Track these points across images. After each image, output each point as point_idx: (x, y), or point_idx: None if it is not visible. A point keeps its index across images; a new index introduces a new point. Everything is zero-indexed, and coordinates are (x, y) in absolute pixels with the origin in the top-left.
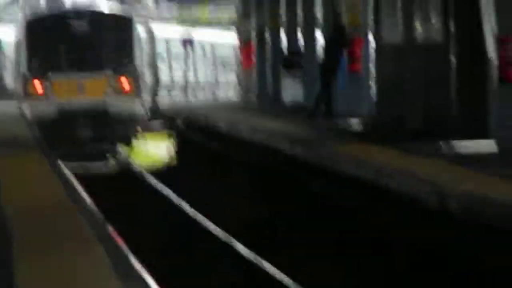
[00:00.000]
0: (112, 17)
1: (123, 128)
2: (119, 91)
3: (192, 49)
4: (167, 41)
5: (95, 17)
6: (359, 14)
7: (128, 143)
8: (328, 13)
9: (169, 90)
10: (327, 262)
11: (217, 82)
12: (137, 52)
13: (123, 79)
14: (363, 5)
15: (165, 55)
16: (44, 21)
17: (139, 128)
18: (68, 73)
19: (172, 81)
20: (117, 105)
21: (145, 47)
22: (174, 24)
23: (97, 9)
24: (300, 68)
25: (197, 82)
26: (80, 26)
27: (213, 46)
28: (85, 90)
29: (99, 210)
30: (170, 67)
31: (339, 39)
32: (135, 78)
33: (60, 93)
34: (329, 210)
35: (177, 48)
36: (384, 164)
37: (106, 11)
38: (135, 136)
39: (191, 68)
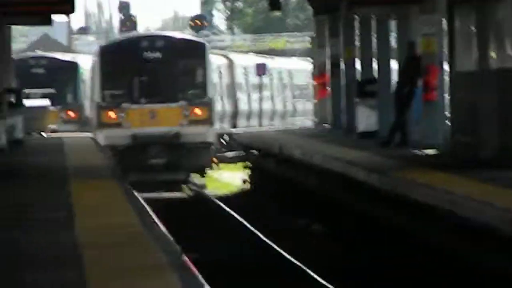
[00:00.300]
0: (185, 43)
1: (196, 157)
2: (193, 120)
3: (270, 78)
4: (244, 70)
5: (169, 44)
6: (434, 43)
7: (201, 171)
8: (403, 42)
9: (247, 118)
10: None
11: (293, 110)
12: (210, 82)
13: (197, 109)
14: (437, 33)
15: (242, 83)
16: (118, 49)
17: (213, 157)
18: (142, 102)
19: (249, 109)
20: (190, 134)
21: (224, 76)
22: (250, 54)
23: (170, 36)
24: (374, 97)
25: (273, 109)
26: (154, 53)
27: (288, 75)
28: (158, 119)
29: (173, 237)
30: (248, 96)
31: (414, 68)
32: (208, 108)
33: (134, 122)
34: (410, 247)
35: (253, 77)
36: (460, 193)
37: (179, 37)
38: (209, 165)
39: (267, 96)
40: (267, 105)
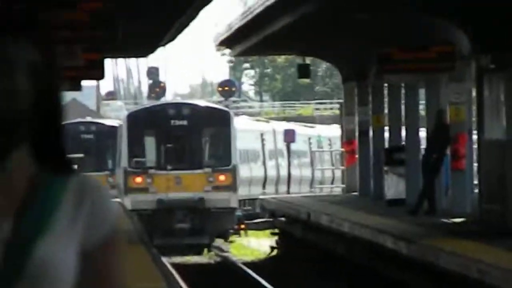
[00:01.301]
0: (211, 111)
1: (220, 221)
2: (217, 186)
3: (312, 144)
4: (274, 137)
5: (195, 112)
6: (463, 111)
7: (225, 236)
8: (432, 110)
9: (275, 184)
10: None
11: (321, 176)
12: (234, 149)
13: (221, 176)
14: (466, 101)
15: (282, 150)
16: (145, 115)
17: (240, 223)
18: (168, 169)
19: (278, 175)
20: (214, 199)
21: (268, 142)
22: (279, 121)
23: (196, 104)
24: (403, 164)
25: (301, 176)
26: (180, 121)
27: (317, 142)
28: (184, 185)
29: None
30: (276, 162)
31: (443, 136)
32: (232, 174)
33: (160, 187)
34: None
35: (281, 144)
36: (488, 261)
37: (204, 105)
38: (236, 230)
39: (295, 162)
40: (301, 172)
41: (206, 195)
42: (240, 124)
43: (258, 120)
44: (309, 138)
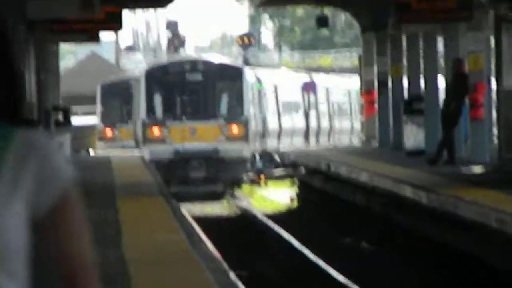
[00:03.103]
0: (224, 67)
1: (233, 171)
2: (230, 137)
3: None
4: (291, 88)
5: (209, 67)
6: (481, 60)
7: (240, 185)
8: (450, 59)
9: (291, 136)
10: None
11: (339, 127)
12: (246, 102)
13: (234, 127)
14: (485, 50)
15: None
16: (162, 71)
17: (260, 174)
18: (183, 120)
19: (294, 126)
20: (228, 149)
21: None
22: (298, 71)
23: (210, 60)
24: (422, 114)
25: (319, 127)
26: (195, 75)
27: (336, 93)
28: (198, 136)
29: (220, 255)
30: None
31: (461, 85)
32: (244, 126)
33: (176, 138)
34: (460, 265)
35: (299, 95)
36: (508, 211)
37: (218, 62)
38: (255, 181)
39: (313, 113)
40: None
41: (220, 146)
42: (281, 75)
43: (298, 72)
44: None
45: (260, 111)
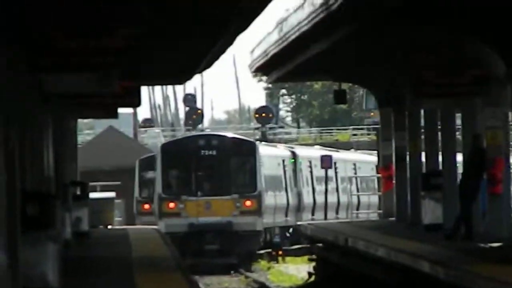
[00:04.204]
0: (237, 142)
1: (246, 243)
2: (244, 211)
3: (336, 170)
4: (310, 163)
5: (223, 142)
6: (499, 135)
7: (253, 258)
8: (468, 134)
9: (298, 211)
10: None
11: (357, 202)
12: (259, 176)
13: (248, 202)
14: (503, 125)
15: (306, 176)
16: (177, 146)
17: (278, 249)
18: (198, 195)
19: (314, 202)
20: (242, 223)
21: (288, 171)
22: (315, 148)
23: (224, 135)
24: (440, 189)
25: (338, 202)
26: (210, 151)
27: (354, 168)
28: (213, 210)
29: None
30: (313, 188)
31: (479, 161)
32: (257, 200)
33: (191, 212)
34: None
35: (318, 170)
36: None
37: (232, 137)
38: (272, 255)
39: (332, 188)
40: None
41: (233, 219)
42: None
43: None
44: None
45: (296, 185)
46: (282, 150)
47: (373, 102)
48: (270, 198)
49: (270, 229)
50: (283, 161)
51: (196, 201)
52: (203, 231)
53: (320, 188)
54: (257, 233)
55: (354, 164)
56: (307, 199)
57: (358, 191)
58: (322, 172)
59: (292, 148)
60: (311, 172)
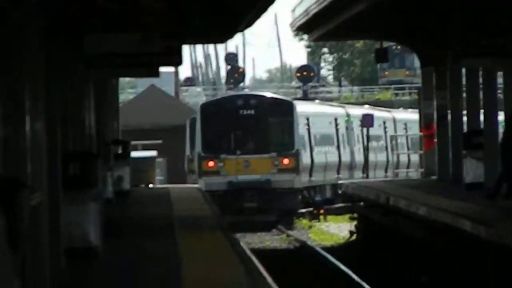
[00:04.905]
0: (275, 102)
1: (285, 201)
2: (282, 169)
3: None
4: (405, 125)
5: (261, 102)
6: None
7: (292, 216)
8: (510, 93)
9: (350, 169)
10: None
11: (397, 161)
12: (297, 135)
13: (285, 160)
14: None
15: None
16: (216, 106)
17: (319, 208)
18: (237, 153)
19: (353, 160)
20: (280, 181)
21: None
22: (365, 107)
23: (262, 95)
24: (481, 148)
25: (377, 160)
26: (248, 110)
27: (395, 126)
28: (251, 168)
29: None
30: (365, 147)
31: None
32: (295, 158)
33: (230, 170)
34: None
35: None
36: None
37: (270, 97)
38: (314, 214)
39: (372, 147)
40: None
41: (272, 177)
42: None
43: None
44: (384, 122)
45: (349, 143)
46: (334, 108)
47: (411, 61)
48: (321, 156)
49: (320, 186)
50: (336, 119)
51: (235, 160)
52: (242, 189)
53: (371, 146)
54: (295, 191)
55: (405, 124)
56: (358, 157)
57: (408, 149)
58: (373, 131)
59: (343, 106)
60: (361, 131)
